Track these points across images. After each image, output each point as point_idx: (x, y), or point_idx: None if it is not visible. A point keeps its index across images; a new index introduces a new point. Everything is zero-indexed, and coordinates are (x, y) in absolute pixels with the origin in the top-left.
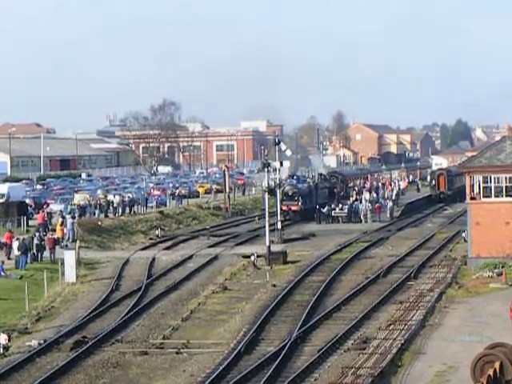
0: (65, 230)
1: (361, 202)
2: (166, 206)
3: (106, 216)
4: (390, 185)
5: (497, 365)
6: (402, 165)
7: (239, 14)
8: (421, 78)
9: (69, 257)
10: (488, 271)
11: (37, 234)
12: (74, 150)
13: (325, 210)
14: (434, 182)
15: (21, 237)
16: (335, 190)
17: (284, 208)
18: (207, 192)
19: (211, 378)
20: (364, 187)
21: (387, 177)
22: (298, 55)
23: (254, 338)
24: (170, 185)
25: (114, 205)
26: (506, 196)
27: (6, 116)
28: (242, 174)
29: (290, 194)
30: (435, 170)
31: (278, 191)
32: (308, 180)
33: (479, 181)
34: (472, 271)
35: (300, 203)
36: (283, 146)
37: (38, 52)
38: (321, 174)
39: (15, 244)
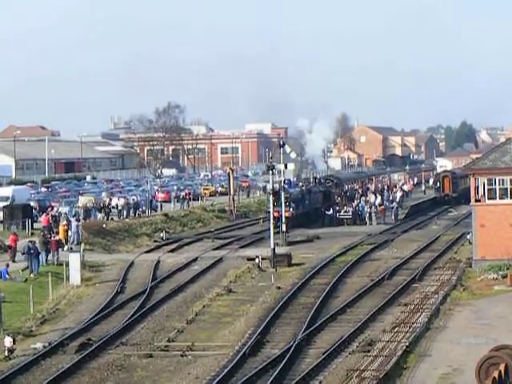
0: (69, 233)
1: (365, 204)
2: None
3: (111, 219)
4: (395, 187)
5: (502, 367)
6: (407, 167)
7: (240, 16)
8: (425, 79)
9: (73, 259)
10: (493, 273)
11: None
12: (79, 153)
13: (330, 213)
14: (438, 184)
15: (33, 239)
16: (331, 194)
17: (275, 214)
18: (212, 195)
19: (216, 381)
20: (368, 189)
21: (387, 180)
22: (300, 57)
23: (259, 340)
24: (175, 187)
25: (119, 207)
26: (511, 198)
27: (11, 119)
28: (247, 176)
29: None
30: (440, 172)
31: (282, 194)
32: (300, 184)
33: (484, 183)
34: (477, 273)
35: (291, 209)
36: (288, 149)
37: (42, 54)
38: (315, 178)
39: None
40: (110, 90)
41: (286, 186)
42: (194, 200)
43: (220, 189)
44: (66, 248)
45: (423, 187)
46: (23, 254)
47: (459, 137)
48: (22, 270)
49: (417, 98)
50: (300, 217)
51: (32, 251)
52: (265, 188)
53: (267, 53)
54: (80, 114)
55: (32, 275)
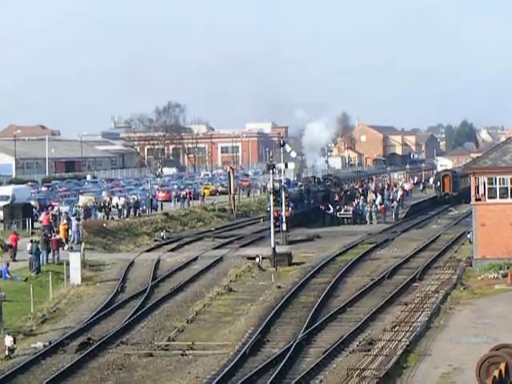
0: (69, 232)
1: (366, 203)
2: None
3: (111, 218)
4: (395, 186)
5: (502, 366)
6: (407, 166)
7: (240, 16)
8: (425, 79)
9: (74, 259)
10: (493, 272)
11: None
12: (79, 152)
13: (330, 212)
14: (439, 183)
15: (33, 238)
16: (330, 194)
17: (274, 214)
18: (212, 194)
19: (216, 380)
20: (368, 188)
21: (387, 179)
22: (300, 56)
23: (259, 339)
24: (175, 186)
25: (119, 207)
26: (511, 197)
27: (11, 118)
28: (247, 175)
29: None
30: (440, 171)
31: (282, 193)
32: (299, 184)
33: (484, 182)
34: (477, 272)
35: (290, 208)
36: (288, 148)
37: (42, 54)
38: (314, 177)
39: (29, 245)
40: (110, 89)
41: (285, 186)
42: (194, 199)
43: (220, 188)
44: (66, 247)
45: (421, 186)
46: (31, 253)
47: (459, 136)
48: (35, 273)
49: (417, 97)
50: (299, 216)
51: (39, 251)
52: (265, 187)
53: (267, 53)
54: (80, 114)
55: (33, 274)
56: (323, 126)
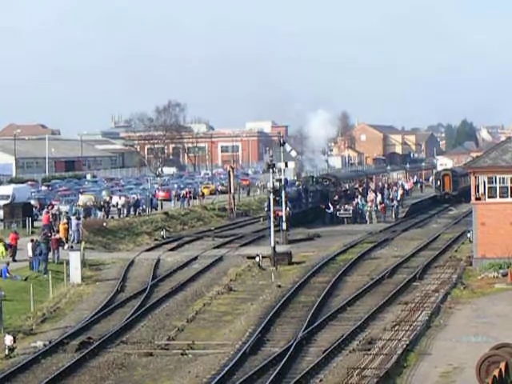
0: (69, 231)
1: (366, 203)
2: None
3: (111, 217)
4: (395, 185)
5: (502, 365)
6: (407, 165)
7: (240, 14)
8: (425, 78)
9: (74, 258)
10: (493, 272)
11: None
12: (79, 151)
13: (330, 211)
14: (439, 182)
15: (34, 238)
16: (329, 193)
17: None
18: (212, 193)
19: (216, 379)
20: (368, 187)
21: (385, 179)
22: (300, 55)
23: (259, 338)
24: (175, 186)
25: (119, 206)
26: (511, 196)
27: (11, 117)
28: (247, 174)
29: (276, 198)
30: (440, 170)
31: (283, 192)
32: (297, 183)
33: (484, 181)
34: (477, 272)
35: (288, 208)
36: (288, 147)
37: (42, 53)
38: (312, 177)
39: (29, 245)
40: (110, 88)
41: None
42: (194, 198)
43: (220, 187)
44: (66, 246)
45: (418, 185)
46: (40, 254)
47: (460, 135)
48: (44, 273)
49: (417, 96)
50: (297, 216)
51: (44, 251)
52: (264, 186)
53: (267, 51)
54: (80, 113)
55: (45, 276)
56: (326, 117)
